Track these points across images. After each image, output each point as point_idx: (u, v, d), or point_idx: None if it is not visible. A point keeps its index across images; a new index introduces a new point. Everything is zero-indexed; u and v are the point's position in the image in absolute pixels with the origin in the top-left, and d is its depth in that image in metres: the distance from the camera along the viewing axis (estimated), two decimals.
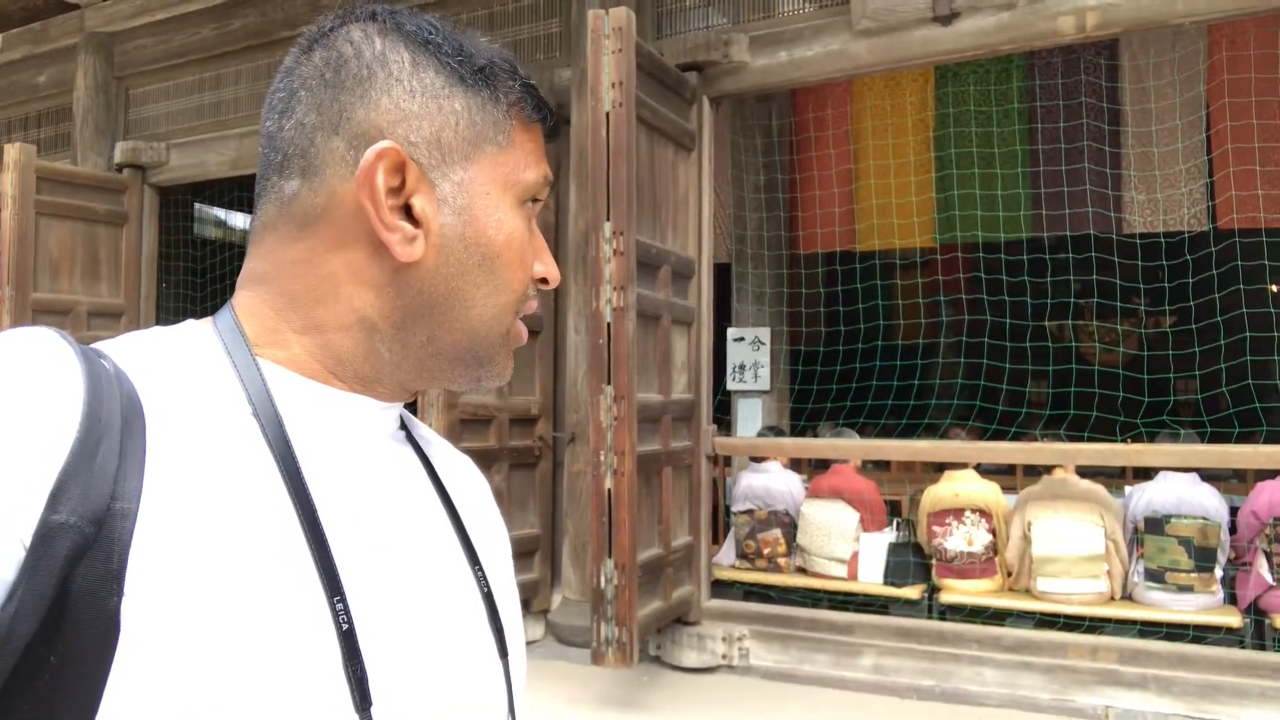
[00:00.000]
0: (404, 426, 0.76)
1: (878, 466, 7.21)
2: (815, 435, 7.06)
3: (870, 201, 6.80)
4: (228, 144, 7.06)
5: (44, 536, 0.51)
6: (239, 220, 10.13)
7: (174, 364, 0.62)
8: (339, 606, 0.59)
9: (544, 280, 0.71)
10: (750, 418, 7.24)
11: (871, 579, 5.14)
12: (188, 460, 0.57)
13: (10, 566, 0.50)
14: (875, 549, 5.18)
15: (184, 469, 0.57)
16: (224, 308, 0.68)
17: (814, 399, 6.93)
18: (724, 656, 4.91)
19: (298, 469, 0.61)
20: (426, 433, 0.80)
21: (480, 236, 0.65)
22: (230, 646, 0.54)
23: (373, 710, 0.58)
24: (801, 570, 5.34)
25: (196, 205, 8.92)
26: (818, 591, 5.19)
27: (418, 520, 0.71)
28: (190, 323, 0.68)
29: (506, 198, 0.67)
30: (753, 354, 7.25)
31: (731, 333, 7.28)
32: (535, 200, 0.71)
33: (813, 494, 5.37)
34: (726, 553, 5.65)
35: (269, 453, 0.61)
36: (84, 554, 0.51)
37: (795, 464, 5.90)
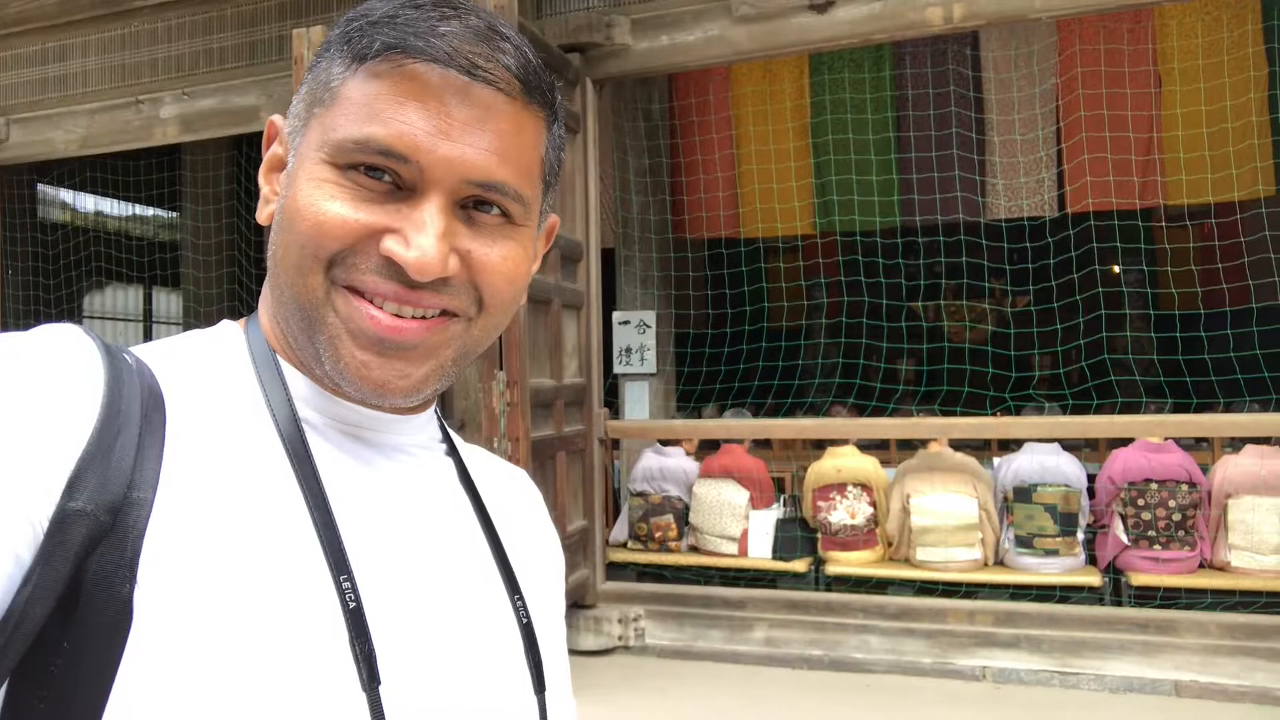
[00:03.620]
0: (452, 448, 0.75)
1: (761, 445, 7.39)
2: (699, 417, 7.17)
3: (753, 187, 6.93)
4: (77, 120, 6.60)
5: (61, 523, 0.52)
6: (89, 203, 9.51)
7: (199, 362, 0.64)
8: (345, 585, 0.59)
9: (390, 259, 0.60)
10: (638, 400, 7.29)
11: (761, 554, 5.27)
12: (203, 451, 0.59)
13: (27, 551, 0.51)
14: (764, 525, 5.31)
15: (199, 460, 0.58)
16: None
17: (699, 381, 7.03)
18: (620, 638, 4.94)
19: (307, 454, 0.62)
20: (481, 458, 0.79)
21: (288, 198, 0.63)
22: (239, 631, 0.55)
23: (381, 688, 0.58)
24: (694, 549, 5.43)
25: (40, 186, 8.32)
26: (710, 569, 5.29)
27: (446, 535, 0.70)
28: (226, 323, 0.69)
29: (315, 156, 0.62)
30: (639, 337, 7.29)
31: (617, 316, 7.31)
32: (372, 168, 0.60)
33: (704, 474, 5.46)
34: (620, 530, 5.70)
35: (280, 443, 0.62)
36: (99, 541, 0.53)
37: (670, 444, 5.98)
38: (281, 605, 0.56)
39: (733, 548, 5.30)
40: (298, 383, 0.65)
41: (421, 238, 0.60)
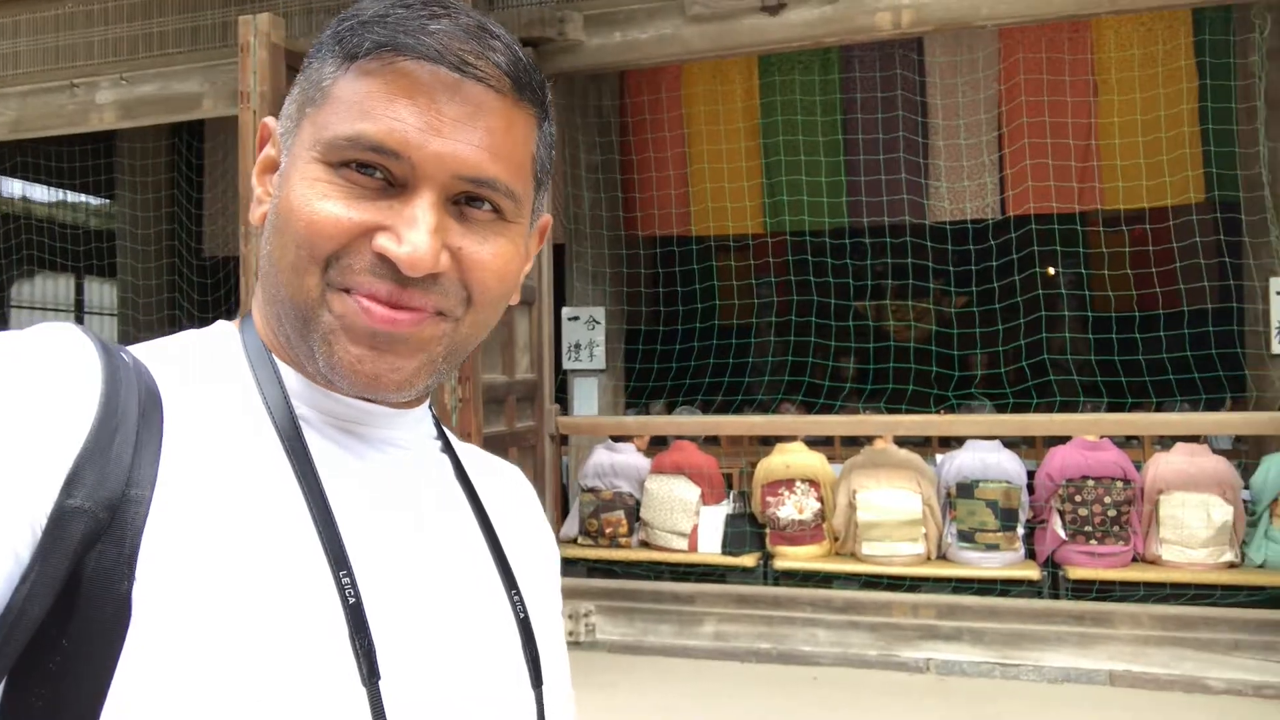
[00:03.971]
0: (448, 445, 0.76)
1: (710, 442, 7.45)
2: (647, 413, 7.20)
3: (704, 186, 6.99)
4: (7, 102, 6.38)
5: (58, 520, 0.52)
6: (17, 188, 9.19)
7: (195, 360, 0.65)
8: (345, 580, 0.59)
9: (384, 256, 0.61)
10: (587, 397, 7.29)
11: (711, 550, 5.32)
12: (201, 449, 0.59)
13: (25, 549, 0.51)
14: (714, 521, 5.36)
15: (197, 457, 0.58)
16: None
17: (649, 378, 7.06)
18: (571, 633, 4.95)
19: (304, 451, 0.63)
20: (476, 454, 0.80)
21: (281, 198, 0.64)
22: (238, 627, 0.55)
23: (381, 683, 0.59)
24: (644, 544, 5.46)
25: None
26: (660, 564, 5.33)
27: (443, 531, 0.70)
28: (221, 322, 0.70)
29: (307, 155, 0.63)
30: (588, 333, 7.30)
31: (567, 312, 7.30)
32: (364, 166, 0.61)
33: (655, 470, 5.49)
34: (570, 526, 5.70)
35: (277, 439, 0.62)
36: (97, 539, 0.53)
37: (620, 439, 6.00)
38: (281, 601, 0.57)
39: (683, 543, 5.34)
40: (293, 380, 0.66)
41: (413, 233, 0.60)
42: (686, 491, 5.35)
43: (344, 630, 0.58)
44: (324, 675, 0.57)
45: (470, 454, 0.79)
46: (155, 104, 6.27)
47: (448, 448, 0.76)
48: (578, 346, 7.31)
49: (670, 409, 7.13)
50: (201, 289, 8.77)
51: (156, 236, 8.77)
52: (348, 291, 0.62)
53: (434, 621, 0.65)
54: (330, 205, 0.61)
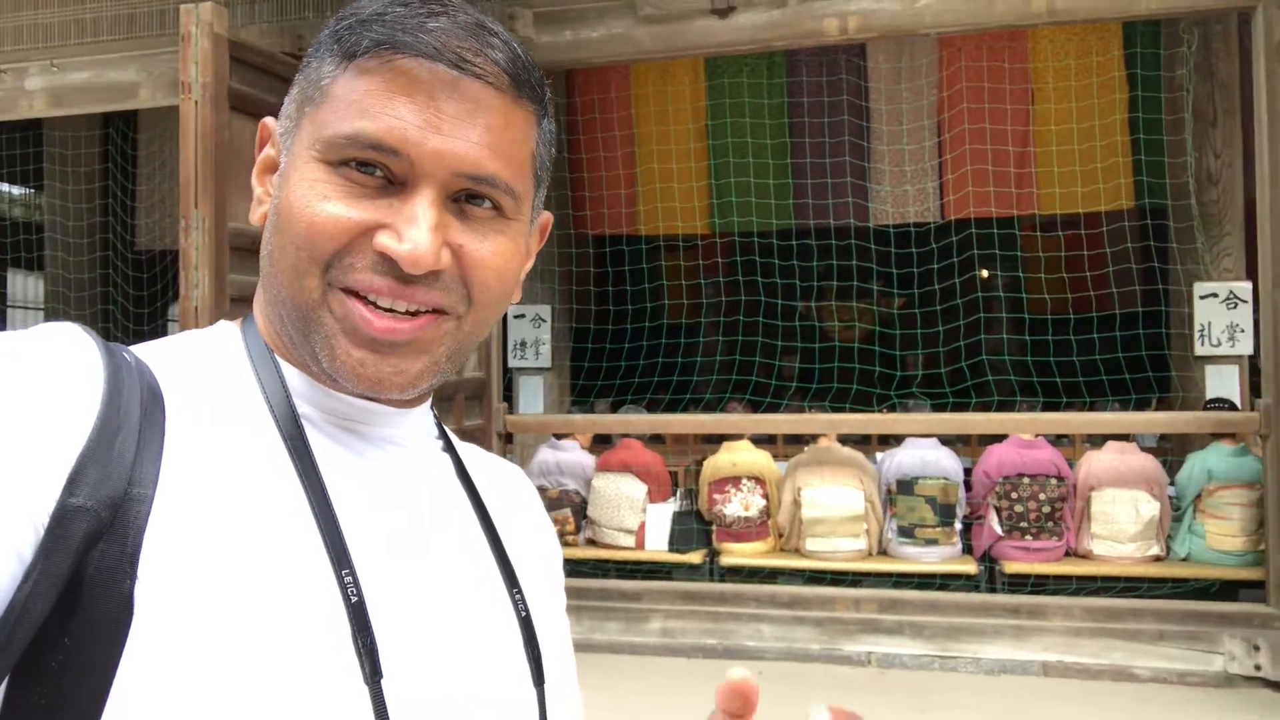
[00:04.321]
0: (449, 444, 0.76)
1: (655, 440, 7.49)
2: (592, 412, 7.21)
3: (653, 186, 7.03)
4: None
5: (61, 519, 0.52)
6: None
7: (197, 360, 0.65)
8: (347, 579, 0.59)
9: (385, 254, 0.61)
10: (532, 395, 7.28)
11: (657, 547, 5.36)
12: (203, 448, 0.59)
13: (28, 548, 0.51)
14: (661, 518, 5.40)
15: (199, 457, 0.59)
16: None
17: (595, 376, 7.08)
18: None
19: (306, 450, 0.63)
20: (477, 454, 0.80)
21: (281, 198, 0.64)
22: (240, 626, 0.55)
23: (383, 682, 0.59)
24: (591, 542, 5.47)
25: None
26: (607, 562, 5.35)
27: (445, 529, 0.70)
28: (223, 322, 0.70)
29: (306, 154, 0.63)
30: (534, 331, 7.29)
31: (512, 309, 7.27)
32: (363, 164, 0.61)
33: (602, 468, 5.51)
34: None
35: (279, 438, 0.63)
36: (100, 538, 0.53)
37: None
38: (283, 600, 0.57)
39: (630, 540, 5.37)
40: (295, 379, 0.66)
41: (413, 231, 0.60)
42: (633, 489, 5.38)
43: (346, 629, 0.58)
44: (326, 674, 0.57)
45: (471, 453, 0.79)
46: (88, 92, 6.10)
47: (449, 447, 0.76)
48: (524, 344, 7.29)
49: (615, 408, 7.16)
50: (136, 283, 8.55)
51: (89, 229, 8.52)
52: (348, 292, 0.62)
53: (436, 620, 0.65)
54: (330, 205, 0.61)
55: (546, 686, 0.70)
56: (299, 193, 0.62)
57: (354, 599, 0.59)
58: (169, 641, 0.53)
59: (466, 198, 0.63)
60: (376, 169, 0.61)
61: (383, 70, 0.61)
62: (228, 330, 0.69)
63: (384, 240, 0.60)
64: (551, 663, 0.72)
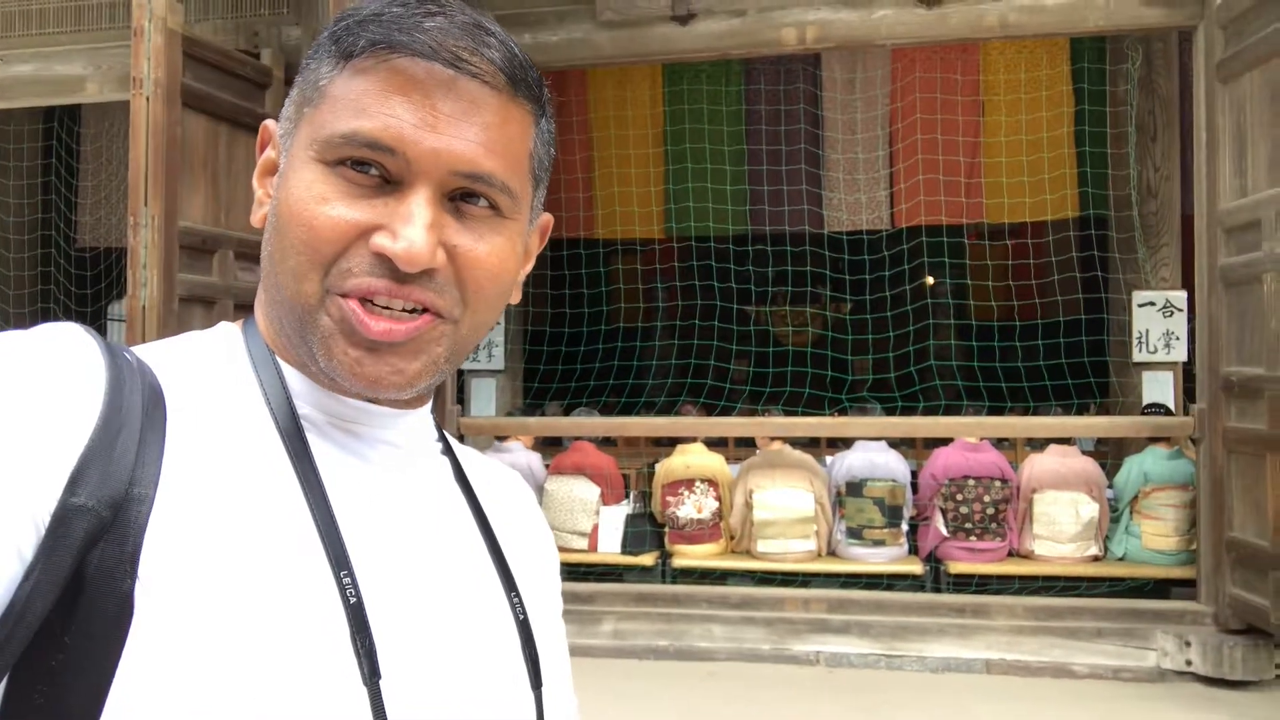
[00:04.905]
0: (448, 447, 0.76)
1: (605, 443, 7.51)
2: (543, 414, 7.22)
3: (611, 190, 7.07)
4: None
5: (62, 518, 0.52)
6: None
7: (198, 361, 0.66)
8: (346, 580, 0.60)
9: (381, 254, 0.61)
10: (485, 397, 7.26)
11: (610, 549, 5.38)
12: (204, 449, 0.60)
13: (29, 547, 0.52)
14: (614, 521, 5.43)
15: (200, 457, 0.59)
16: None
17: (549, 378, 7.08)
18: None
19: (306, 451, 0.63)
20: (476, 458, 0.80)
21: (280, 200, 0.64)
22: (239, 626, 0.55)
23: (382, 682, 0.59)
24: None
25: None
26: (560, 564, 5.35)
27: (443, 532, 0.71)
28: (224, 324, 0.71)
29: (304, 155, 0.63)
30: (487, 333, 7.27)
31: None
32: (360, 163, 0.61)
33: (555, 471, 5.52)
34: None
35: (279, 440, 0.63)
36: (100, 537, 0.53)
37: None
38: (282, 600, 0.57)
39: (583, 543, 5.39)
40: (295, 380, 0.66)
41: (409, 229, 0.60)
42: (586, 492, 5.40)
43: (345, 630, 0.59)
44: (325, 674, 0.57)
45: (470, 457, 0.80)
46: (33, 85, 5.97)
47: (448, 450, 0.76)
48: (477, 347, 7.27)
49: (568, 410, 7.17)
50: (79, 281, 8.36)
51: (31, 225, 8.31)
52: (346, 296, 0.62)
53: (434, 622, 0.65)
54: (328, 208, 0.61)
55: (544, 689, 0.71)
56: (297, 195, 0.62)
57: (352, 600, 0.59)
58: (168, 641, 0.53)
59: (463, 197, 0.63)
60: (373, 168, 0.61)
61: (379, 70, 0.61)
62: (229, 331, 0.69)
63: (380, 240, 0.61)
64: (549, 666, 0.72)
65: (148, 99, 4.24)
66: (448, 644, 0.65)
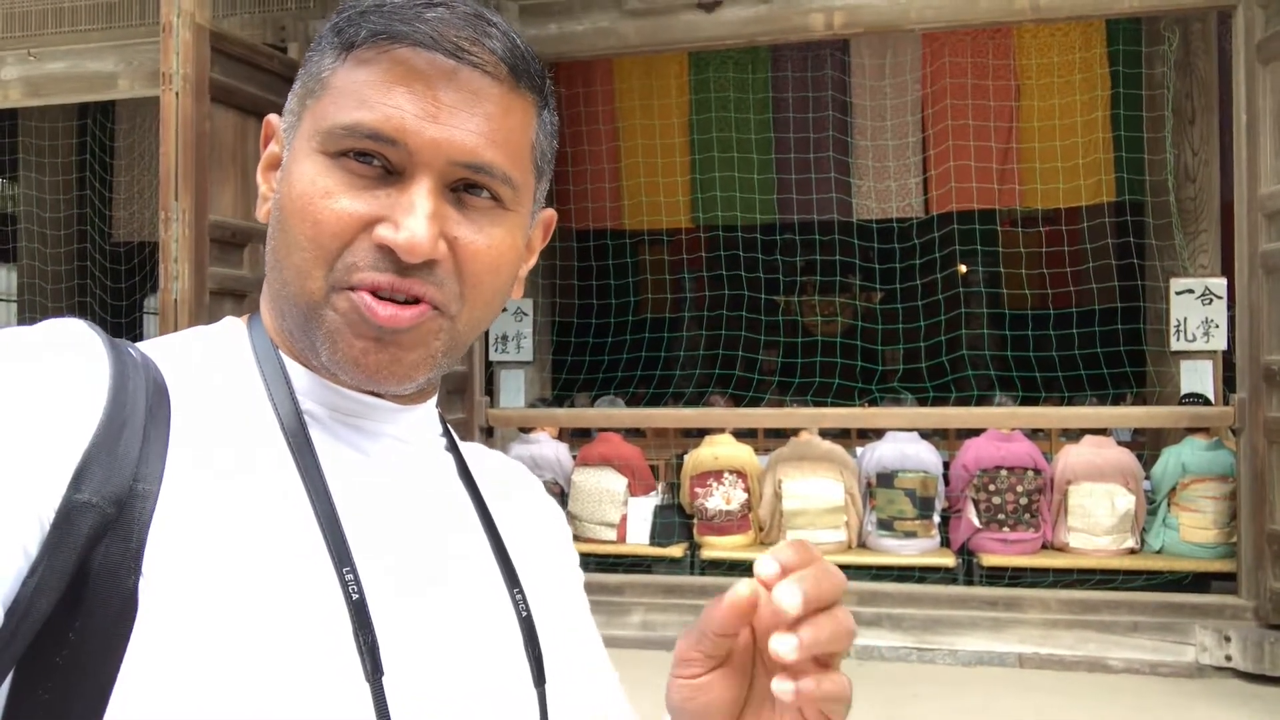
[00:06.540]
0: (453, 443, 0.76)
1: (633, 434, 7.51)
2: (572, 405, 7.23)
3: (637, 180, 7.04)
4: None
5: (67, 515, 0.52)
6: None
7: (202, 356, 0.65)
8: (348, 577, 0.60)
9: (384, 246, 0.61)
10: (513, 388, 7.27)
11: (639, 541, 5.37)
12: (208, 445, 0.60)
13: (34, 543, 0.52)
14: (642, 512, 5.42)
15: (204, 453, 0.59)
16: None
17: (576, 369, 7.08)
18: None
19: (309, 448, 0.63)
20: (481, 453, 0.80)
21: (283, 194, 0.64)
22: (243, 623, 0.55)
23: (384, 679, 0.59)
24: (573, 537, 5.47)
25: None
26: (588, 556, 5.36)
27: (447, 529, 0.70)
28: (229, 319, 0.70)
29: (307, 148, 0.63)
30: (515, 325, 7.28)
31: None
32: (362, 154, 0.61)
33: (582, 462, 5.52)
34: None
35: (283, 436, 0.63)
36: (105, 533, 0.53)
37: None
38: (285, 597, 0.57)
39: (611, 534, 5.39)
40: (299, 375, 0.66)
41: (410, 220, 0.60)
42: (614, 483, 5.39)
43: (348, 626, 0.59)
44: (328, 671, 0.57)
45: (475, 452, 0.79)
46: (66, 82, 6.05)
47: (452, 446, 0.76)
48: (505, 338, 7.28)
49: (594, 401, 7.17)
50: (114, 275, 8.47)
51: (67, 221, 8.43)
52: (352, 289, 0.62)
53: (437, 618, 0.65)
54: (331, 203, 0.61)
55: (548, 686, 0.70)
56: (301, 189, 0.62)
57: (355, 596, 0.59)
58: (172, 637, 0.53)
59: (465, 188, 0.63)
60: (375, 159, 0.61)
61: (381, 60, 0.61)
62: (234, 326, 0.69)
63: (382, 232, 0.60)
64: (556, 662, 0.71)
65: (177, 94, 4.27)
66: (450, 641, 0.65)
